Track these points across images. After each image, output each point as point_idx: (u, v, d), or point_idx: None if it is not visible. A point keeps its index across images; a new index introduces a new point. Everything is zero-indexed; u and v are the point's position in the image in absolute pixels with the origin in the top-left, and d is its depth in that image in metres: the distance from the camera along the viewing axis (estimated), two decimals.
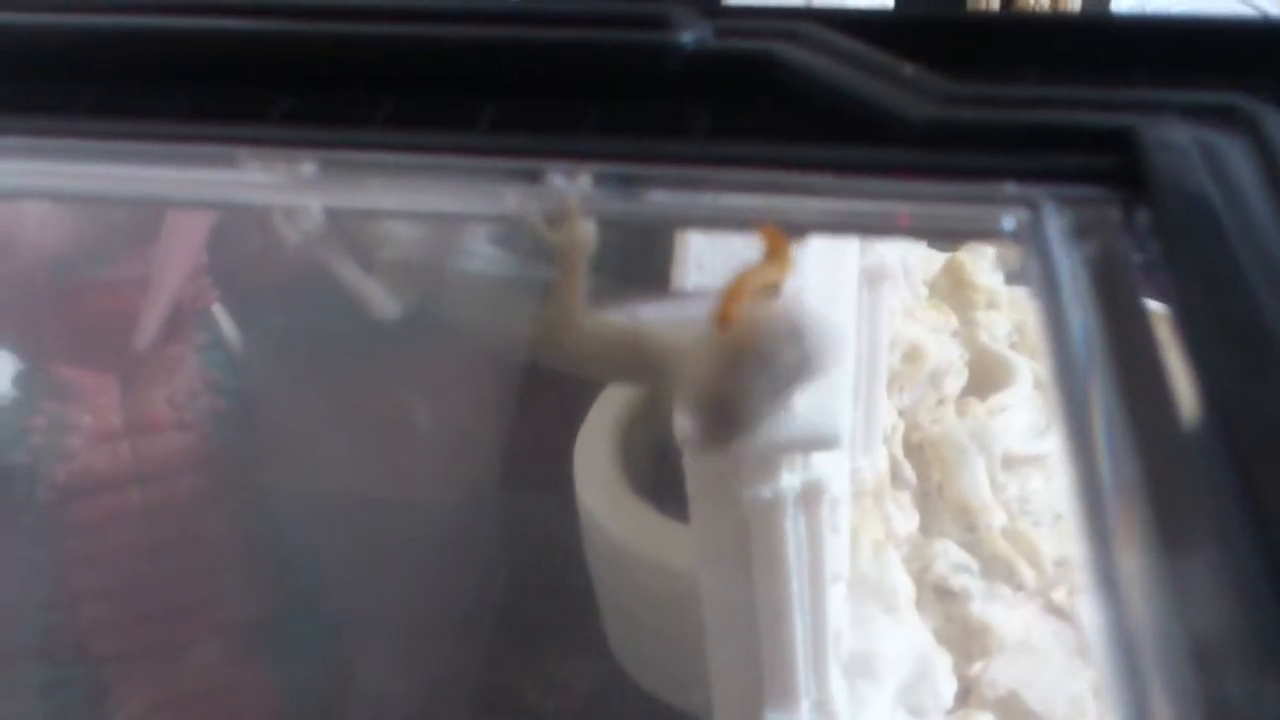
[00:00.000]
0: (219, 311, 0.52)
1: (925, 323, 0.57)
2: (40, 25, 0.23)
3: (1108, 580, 0.13)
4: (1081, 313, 0.15)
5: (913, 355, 0.54)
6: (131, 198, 0.23)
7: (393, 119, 0.20)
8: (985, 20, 0.24)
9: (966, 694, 0.47)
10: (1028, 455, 0.53)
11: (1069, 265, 0.16)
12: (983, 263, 0.60)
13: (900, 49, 0.20)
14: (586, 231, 0.22)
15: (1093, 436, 0.13)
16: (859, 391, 0.48)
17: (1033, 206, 0.17)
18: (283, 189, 0.19)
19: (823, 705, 0.39)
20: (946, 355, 0.55)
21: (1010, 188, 0.17)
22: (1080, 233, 0.16)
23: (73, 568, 0.51)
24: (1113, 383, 0.13)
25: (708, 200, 0.19)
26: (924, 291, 0.60)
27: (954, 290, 0.60)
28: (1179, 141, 0.16)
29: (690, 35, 0.20)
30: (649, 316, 0.25)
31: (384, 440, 0.55)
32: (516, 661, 0.55)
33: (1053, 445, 0.54)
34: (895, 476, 0.52)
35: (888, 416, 0.54)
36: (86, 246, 0.47)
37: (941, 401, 0.55)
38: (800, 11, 0.21)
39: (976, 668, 0.47)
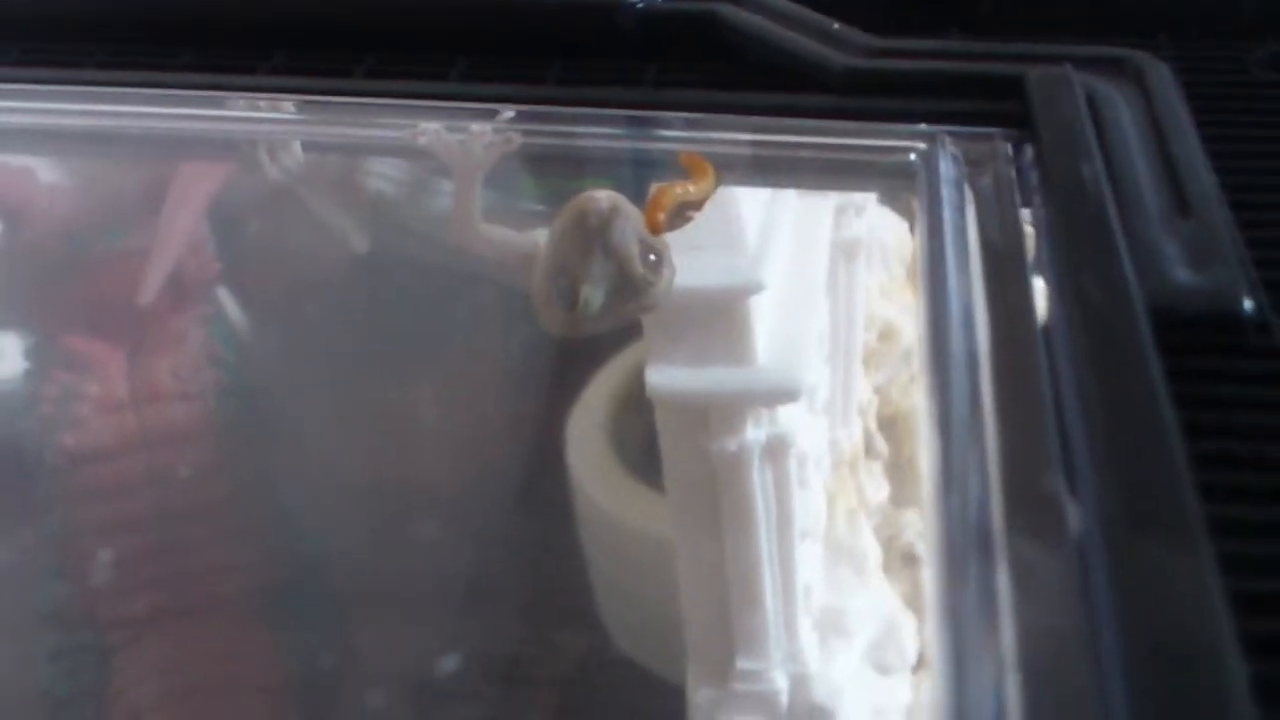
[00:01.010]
0: (222, 287, 0.53)
1: (900, 303, 0.59)
2: None
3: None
4: (958, 229, 0.16)
5: (888, 334, 0.56)
6: (132, 134, 0.25)
7: (372, 72, 0.22)
8: None
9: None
10: None
11: (955, 191, 0.17)
12: None
13: (837, 10, 0.22)
14: (483, 153, 0.24)
15: (949, 318, 0.15)
16: (837, 363, 0.49)
17: (931, 143, 0.19)
18: (267, 124, 0.21)
19: (794, 656, 0.40)
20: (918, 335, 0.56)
21: (915, 128, 0.19)
22: (971, 165, 0.18)
23: (81, 534, 0.52)
24: (977, 283, 0.15)
25: (655, 138, 0.21)
26: (901, 273, 0.62)
27: None
28: (1065, 87, 0.18)
29: None
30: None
31: (383, 415, 0.56)
32: (511, 634, 0.56)
33: None
34: (869, 448, 0.54)
35: (865, 392, 0.55)
36: (97, 220, 0.49)
37: (913, 379, 0.56)
38: None
39: None
